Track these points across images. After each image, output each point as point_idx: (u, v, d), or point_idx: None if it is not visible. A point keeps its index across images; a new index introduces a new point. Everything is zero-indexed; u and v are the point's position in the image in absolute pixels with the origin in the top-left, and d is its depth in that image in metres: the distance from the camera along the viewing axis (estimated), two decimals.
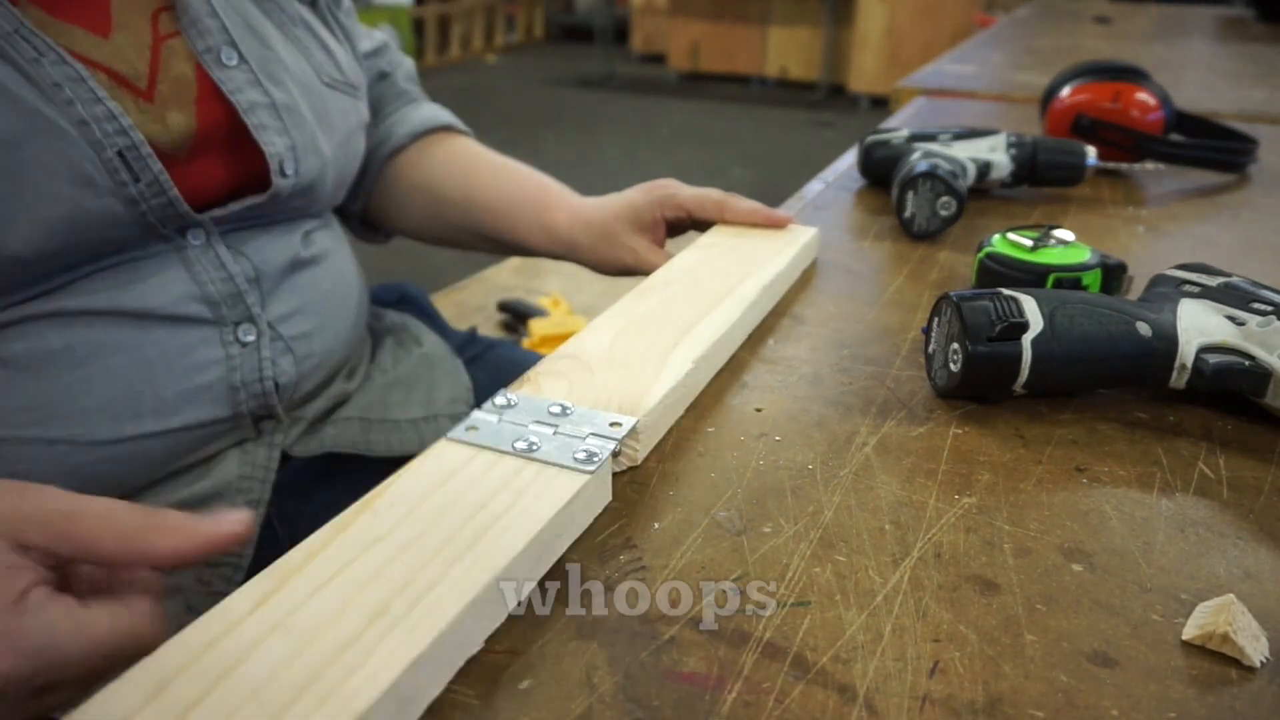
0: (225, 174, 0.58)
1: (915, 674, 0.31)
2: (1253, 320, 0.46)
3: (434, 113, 0.82)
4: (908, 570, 0.36)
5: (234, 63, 0.57)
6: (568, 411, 0.41)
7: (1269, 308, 0.47)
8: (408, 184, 0.79)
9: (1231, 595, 0.33)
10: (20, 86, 0.48)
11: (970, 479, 0.42)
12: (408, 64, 0.85)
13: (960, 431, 0.46)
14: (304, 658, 0.28)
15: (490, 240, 0.78)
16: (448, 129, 0.82)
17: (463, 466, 0.38)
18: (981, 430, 0.46)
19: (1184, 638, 0.33)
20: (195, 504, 0.57)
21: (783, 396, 0.49)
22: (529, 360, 0.83)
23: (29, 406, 0.51)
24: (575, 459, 0.38)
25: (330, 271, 0.65)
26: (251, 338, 0.57)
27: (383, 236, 0.86)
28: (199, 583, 0.56)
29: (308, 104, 0.61)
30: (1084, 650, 0.32)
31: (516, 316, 1.57)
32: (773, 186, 3.69)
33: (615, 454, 0.40)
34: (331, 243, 0.67)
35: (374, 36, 0.82)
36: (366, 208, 0.82)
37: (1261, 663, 0.32)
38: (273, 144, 0.58)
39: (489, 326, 1.58)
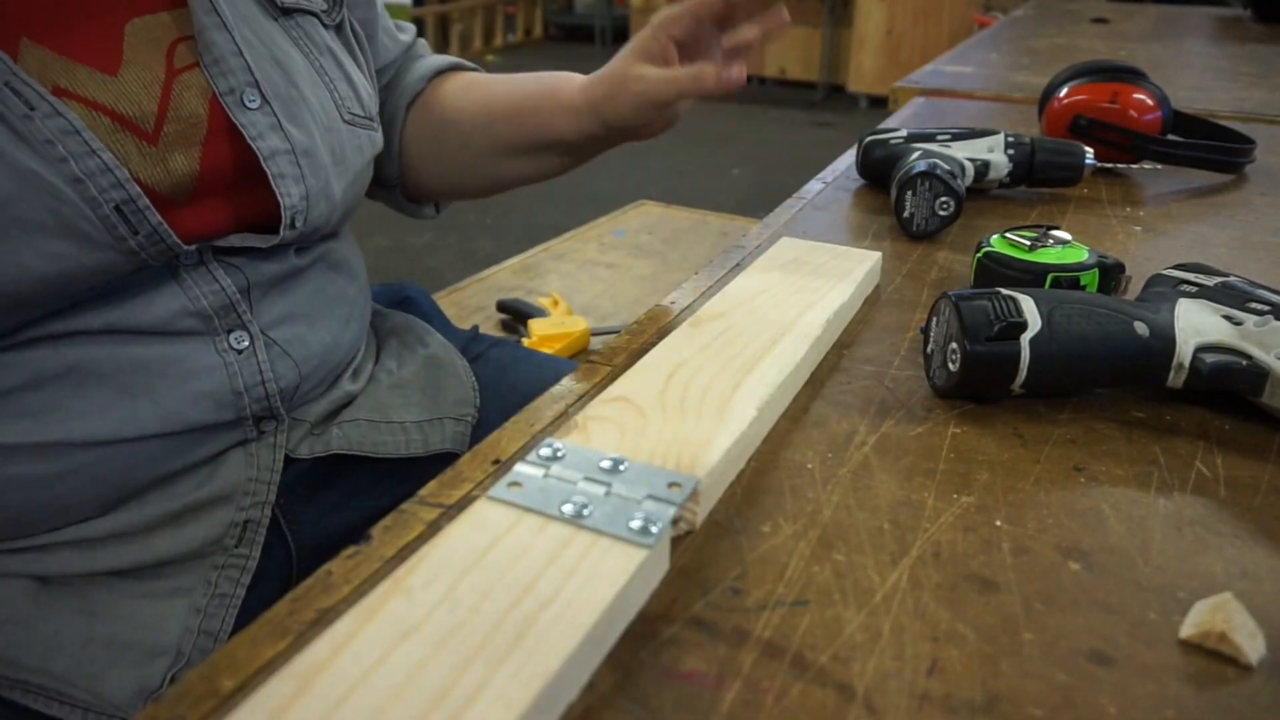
0: (228, 214, 0.56)
1: (914, 673, 0.31)
2: (1250, 320, 0.46)
3: (444, 59, 0.79)
4: (906, 569, 0.36)
5: (256, 105, 0.55)
6: (621, 467, 0.37)
7: (1266, 307, 0.47)
8: (433, 128, 0.76)
9: (1229, 594, 0.34)
10: (11, 144, 0.46)
11: (969, 478, 0.42)
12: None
13: (959, 431, 0.46)
14: None
15: (521, 148, 0.74)
16: (457, 68, 0.80)
17: (505, 534, 0.34)
18: (980, 430, 0.46)
19: (1181, 636, 0.33)
20: (200, 507, 0.57)
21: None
22: (532, 360, 0.82)
23: (22, 414, 0.50)
24: (630, 529, 0.34)
25: (328, 274, 0.65)
26: (245, 344, 0.57)
27: (430, 209, 0.83)
28: (205, 584, 0.56)
29: (327, 146, 0.59)
30: (1082, 649, 0.32)
31: (516, 316, 1.57)
32: (772, 186, 3.69)
33: (674, 521, 0.36)
34: (330, 246, 0.66)
35: (408, 30, 0.81)
36: (404, 176, 0.79)
37: (1258, 661, 0.32)
38: (289, 195, 0.56)
39: (489, 326, 1.58)
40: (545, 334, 1.51)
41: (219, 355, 0.56)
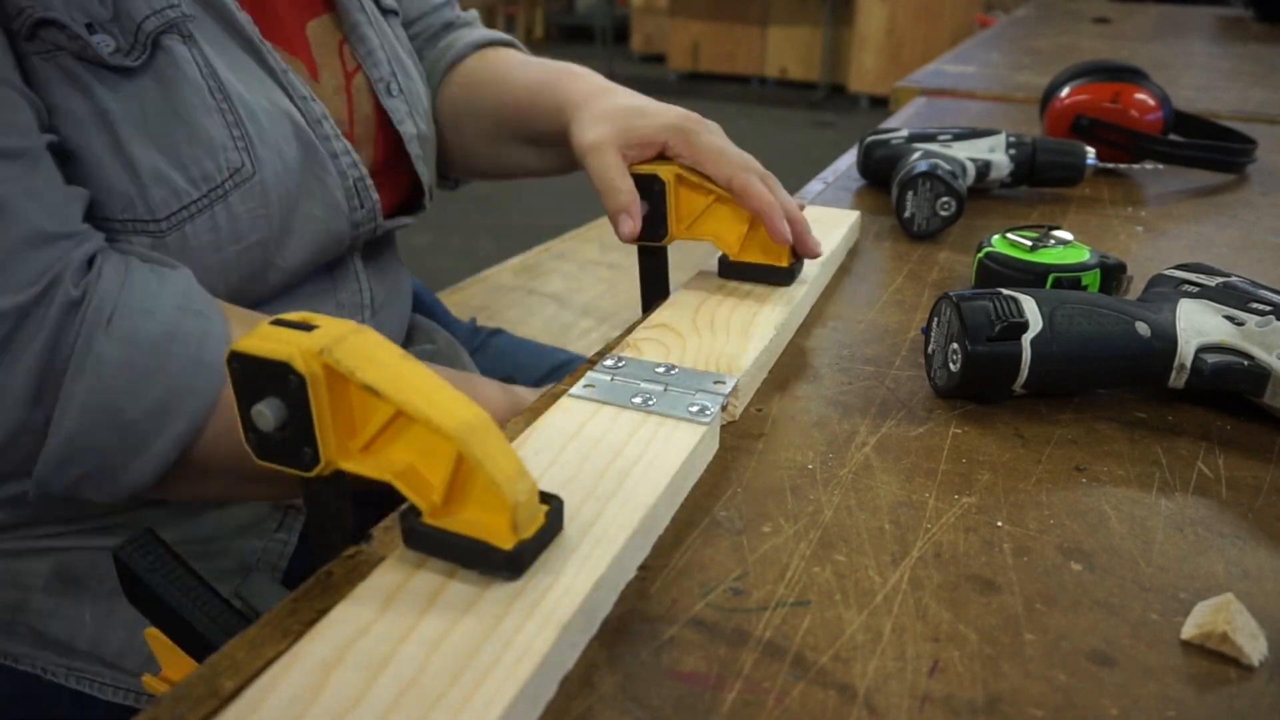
0: (385, 202, 0.63)
1: (915, 673, 0.31)
2: (1251, 320, 0.46)
3: (492, 33, 0.79)
4: (907, 570, 0.36)
5: (397, 94, 0.63)
6: (672, 371, 0.47)
7: (1267, 308, 0.47)
8: (457, 103, 0.76)
9: (1230, 594, 0.34)
10: (300, 119, 0.54)
11: (970, 479, 0.42)
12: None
13: (960, 431, 0.46)
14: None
15: (527, 138, 0.73)
16: (505, 44, 0.79)
17: (589, 419, 0.43)
18: (981, 430, 0.46)
19: (1183, 637, 0.33)
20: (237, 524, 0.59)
21: (782, 396, 0.49)
22: (527, 348, 0.84)
23: None
24: (690, 411, 0.43)
25: (401, 300, 0.70)
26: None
27: (450, 183, 0.83)
28: (242, 568, 0.58)
29: (433, 134, 0.68)
30: (1083, 649, 0.32)
31: None
32: None
33: (722, 408, 0.45)
34: (402, 272, 0.73)
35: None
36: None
37: (1260, 662, 0.32)
38: (424, 173, 0.66)
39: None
40: None
41: None
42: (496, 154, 0.77)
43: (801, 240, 0.56)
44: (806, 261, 0.61)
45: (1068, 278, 0.55)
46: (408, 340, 0.75)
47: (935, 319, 0.50)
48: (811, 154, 4.13)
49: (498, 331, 0.87)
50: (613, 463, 0.39)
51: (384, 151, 0.64)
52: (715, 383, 0.46)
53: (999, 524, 0.39)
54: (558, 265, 1.84)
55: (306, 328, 0.32)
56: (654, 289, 0.59)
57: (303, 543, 0.61)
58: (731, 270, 0.58)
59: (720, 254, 0.58)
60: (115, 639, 0.55)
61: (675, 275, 0.60)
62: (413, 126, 0.65)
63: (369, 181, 0.59)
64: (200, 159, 0.50)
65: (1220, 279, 0.50)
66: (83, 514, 0.55)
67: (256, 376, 0.32)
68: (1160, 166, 0.93)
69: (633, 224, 0.55)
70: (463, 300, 1.63)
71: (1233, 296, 0.48)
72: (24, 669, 0.55)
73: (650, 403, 0.44)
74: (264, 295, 0.56)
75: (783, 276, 0.56)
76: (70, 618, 0.55)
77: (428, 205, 0.68)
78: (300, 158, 0.54)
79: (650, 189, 0.55)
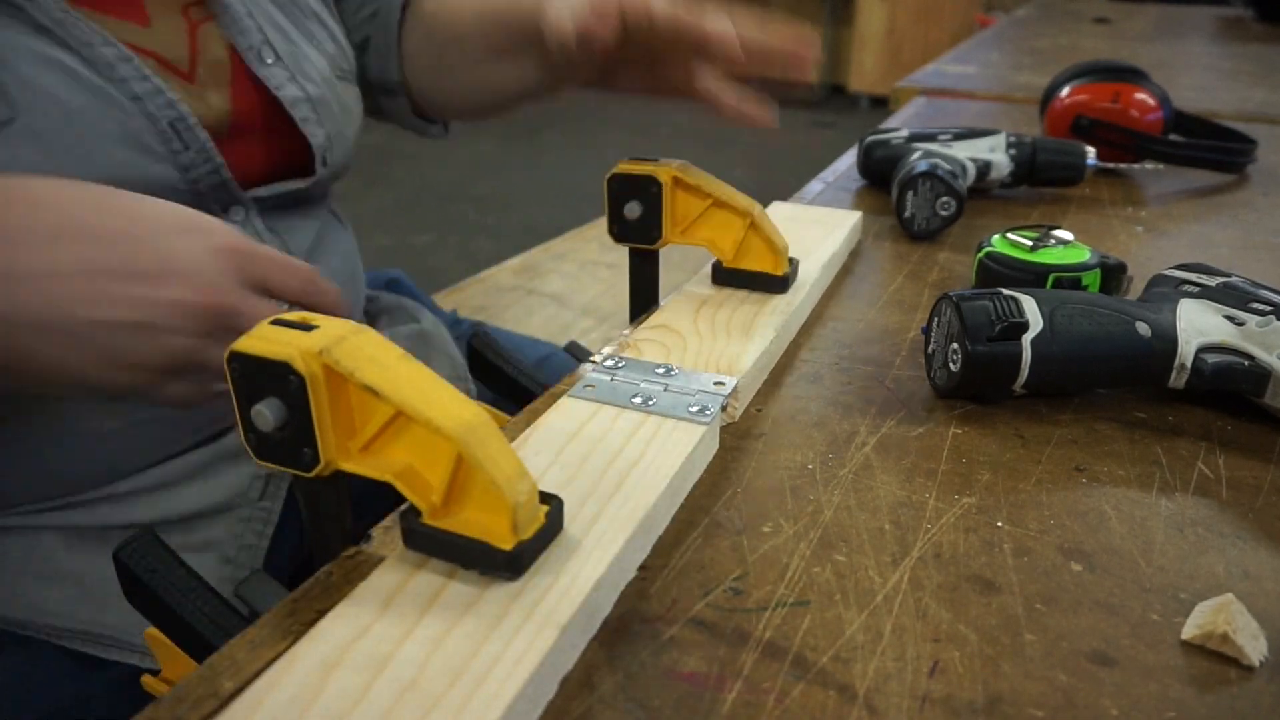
0: (263, 157, 0.62)
1: (915, 674, 0.31)
2: (1252, 320, 0.46)
3: None
4: (907, 570, 0.36)
5: (271, 61, 0.62)
6: (672, 372, 0.47)
7: (1268, 308, 0.47)
8: (436, 41, 0.75)
9: (1230, 595, 0.34)
10: (80, 65, 0.52)
11: (970, 479, 0.42)
12: None
13: (960, 431, 0.46)
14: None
15: (513, 42, 0.70)
16: None
17: (589, 420, 0.43)
18: (981, 430, 0.46)
19: (1183, 637, 0.33)
20: (225, 458, 0.60)
21: (782, 396, 0.49)
22: (508, 340, 0.85)
23: None
24: (690, 412, 0.43)
25: (339, 250, 0.69)
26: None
27: (438, 127, 0.82)
28: (232, 535, 0.59)
29: (334, 95, 0.66)
30: (1083, 650, 0.32)
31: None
32: (772, 186, 3.68)
33: (722, 408, 0.44)
34: (337, 223, 0.71)
35: None
36: (409, 88, 0.79)
37: (1260, 662, 0.32)
38: (315, 135, 0.64)
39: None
40: None
41: None
42: (485, 78, 0.74)
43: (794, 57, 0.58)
44: (807, 263, 0.61)
45: (1068, 278, 0.55)
46: (393, 320, 0.76)
47: (935, 319, 0.50)
48: (811, 154, 4.13)
49: (477, 324, 0.88)
50: (612, 463, 0.39)
51: (256, 106, 0.62)
52: (715, 383, 0.46)
53: (999, 524, 0.39)
54: (557, 265, 1.84)
55: (306, 328, 0.32)
56: (643, 293, 0.59)
57: (288, 508, 0.61)
58: (725, 277, 0.57)
59: (714, 260, 0.58)
60: (111, 607, 0.55)
61: (677, 275, 0.60)
62: (297, 90, 0.63)
63: (191, 121, 0.56)
64: None
65: (1220, 279, 0.50)
66: (52, 494, 0.56)
67: (256, 376, 0.32)
68: (1160, 166, 0.93)
69: (612, 20, 0.55)
70: (462, 300, 1.63)
71: (1233, 296, 0.48)
72: (30, 635, 0.55)
73: (650, 403, 0.44)
74: None
75: (777, 285, 0.56)
76: (63, 591, 0.56)
77: (319, 171, 0.65)
78: (86, 101, 0.52)
79: (646, 190, 0.55)
